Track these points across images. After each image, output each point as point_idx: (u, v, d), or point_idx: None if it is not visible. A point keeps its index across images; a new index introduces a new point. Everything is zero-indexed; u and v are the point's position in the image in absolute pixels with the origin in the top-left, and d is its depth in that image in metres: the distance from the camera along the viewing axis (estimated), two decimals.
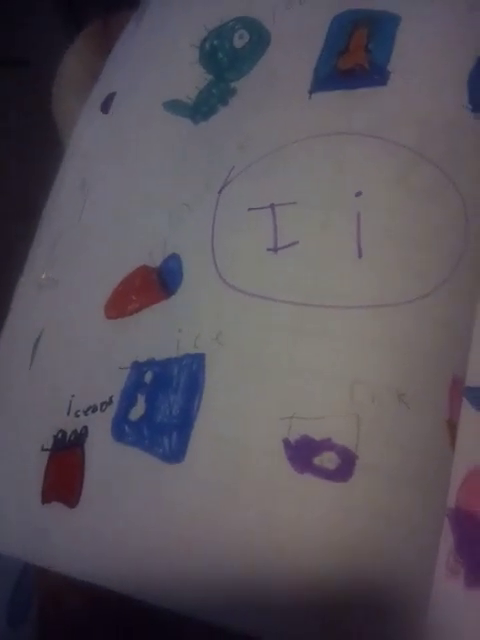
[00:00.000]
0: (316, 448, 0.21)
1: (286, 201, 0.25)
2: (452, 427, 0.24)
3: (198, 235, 0.26)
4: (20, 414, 0.27)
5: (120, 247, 0.28)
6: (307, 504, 0.21)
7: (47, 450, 0.26)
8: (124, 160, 0.30)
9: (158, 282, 0.26)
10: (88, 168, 0.31)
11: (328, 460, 0.21)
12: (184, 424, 0.23)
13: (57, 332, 0.28)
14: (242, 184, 0.26)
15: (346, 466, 0.21)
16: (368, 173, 0.25)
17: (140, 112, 0.31)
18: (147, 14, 0.34)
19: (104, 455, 0.24)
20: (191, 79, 0.30)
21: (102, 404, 0.25)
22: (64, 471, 0.25)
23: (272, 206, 0.25)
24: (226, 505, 0.21)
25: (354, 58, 0.28)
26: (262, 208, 0.25)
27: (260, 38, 0.30)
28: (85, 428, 0.25)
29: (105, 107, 0.31)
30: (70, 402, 0.26)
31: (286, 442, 0.21)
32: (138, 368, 0.25)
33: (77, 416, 0.25)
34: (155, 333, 0.25)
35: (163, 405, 0.23)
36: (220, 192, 0.27)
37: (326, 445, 0.21)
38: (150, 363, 0.24)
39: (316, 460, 0.21)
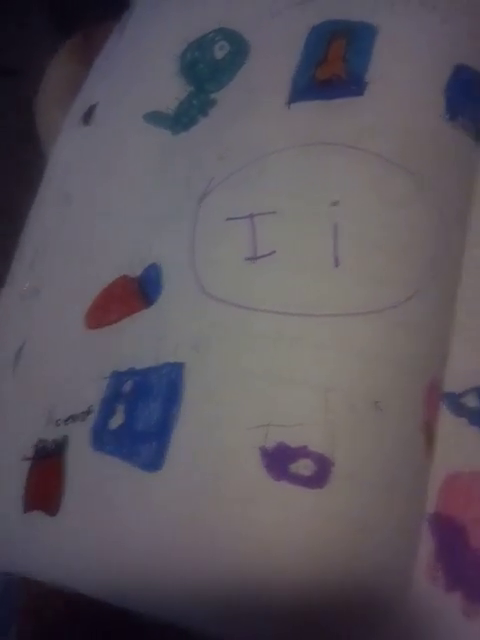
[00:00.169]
0: (292, 455, 0.21)
1: (264, 211, 0.26)
2: (429, 433, 0.24)
3: (178, 245, 0.26)
4: (1, 424, 0.28)
5: (100, 257, 0.28)
6: (283, 511, 0.21)
7: (28, 459, 0.26)
8: (104, 172, 0.31)
9: (138, 292, 0.26)
10: (69, 180, 0.31)
11: (304, 467, 0.21)
12: (162, 433, 0.23)
13: (39, 342, 0.28)
14: (221, 194, 0.27)
15: (322, 473, 0.21)
16: (345, 183, 0.26)
17: (121, 124, 0.31)
18: (129, 26, 0.34)
19: (84, 464, 0.24)
20: (171, 90, 0.30)
21: (82, 413, 0.25)
22: (45, 480, 0.25)
23: (251, 216, 0.26)
24: (204, 512, 0.21)
25: (331, 68, 0.28)
26: (241, 218, 0.26)
27: (240, 49, 0.30)
28: (65, 437, 0.25)
29: (86, 119, 0.32)
30: (51, 412, 0.26)
31: (263, 450, 0.22)
32: (118, 377, 0.25)
33: (58, 425, 0.25)
34: (135, 343, 0.25)
35: (142, 414, 0.23)
36: (200, 203, 0.27)
37: (302, 452, 0.22)
38: (130, 372, 0.25)
39: (292, 467, 0.21)
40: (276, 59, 0.29)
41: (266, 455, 0.22)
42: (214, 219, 0.26)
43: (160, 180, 0.28)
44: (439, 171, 0.27)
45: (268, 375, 0.23)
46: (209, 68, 0.30)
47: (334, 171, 0.26)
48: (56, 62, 0.35)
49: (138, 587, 0.22)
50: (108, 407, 0.24)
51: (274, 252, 0.25)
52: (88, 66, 0.34)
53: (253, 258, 0.25)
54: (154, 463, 0.23)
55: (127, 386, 0.24)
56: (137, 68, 0.32)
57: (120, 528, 0.23)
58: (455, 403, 0.26)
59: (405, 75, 0.28)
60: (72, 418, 0.25)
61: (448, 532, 0.24)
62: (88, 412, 0.25)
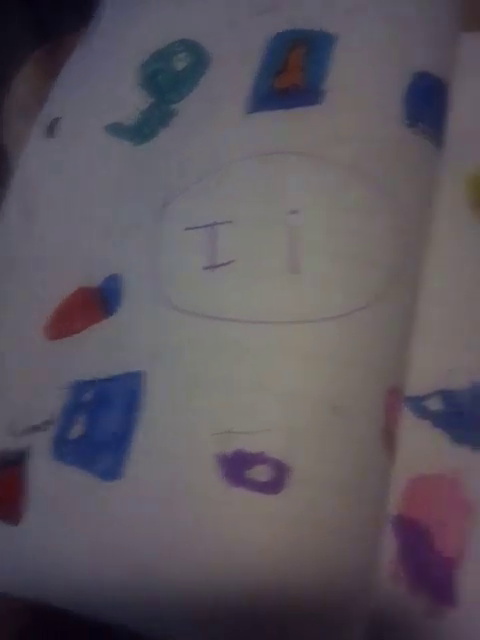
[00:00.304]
0: (250, 462, 0.22)
1: (224, 220, 0.26)
2: (389, 436, 0.24)
3: (138, 255, 0.27)
4: None
5: (61, 268, 0.29)
6: (238, 517, 0.21)
7: None
8: (67, 185, 0.31)
9: (99, 302, 0.27)
10: (32, 194, 0.31)
11: (261, 473, 0.21)
12: (122, 442, 0.23)
13: (0, 353, 0.28)
14: (181, 205, 0.27)
15: (279, 479, 0.21)
16: (304, 191, 0.26)
17: (83, 136, 0.31)
18: (92, 39, 0.34)
19: (45, 474, 0.24)
20: (133, 102, 0.31)
21: (43, 423, 0.25)
22: (7, 490, 0.25)
23: (210, 225, 0.26)
24: (162, 521, 0.22)
25: (290, 78, 0.28)
26: (201, 227, 0.26)
27: (200, 60, 0.31)
28: (27, 447, 0.25)
29: (50, 131, 0.32)
30: (13, 422, 0.26)
31: (220, 457, 0.22)
32: (78, 388, 0.25)
33: (19, 436, 0.25)
34: (95, 353, 0.26)
35: (102, 424, 0.23)
36: (160, 213, 0.27)
37: (259, 459, 0.22)
38: (90, 382, 0.25)
39: (249, 474, 0.21)
40: (236, 69, 0.29)
41: (224, 462, 0.22)
42: (174, 229, 0.27)
43: (121, 191, 0.29)
44: (399, 177, 0.27)
45: (228, 383, 0.23)
46: (170, 79, 0.31)
47: (293, 179, 0.26)
48: (22, 74, 0.36)
49: (101, 595, 0.22)
50: (69, 417, 0.24)
51: (233, 261, 0.25)
52: (54, 78, 0.34)
53: (212, 267, 0.25)
54: (114, 472, 0.23)
55: (88, 396, 0.24)
56: (99, 81, 0.33)
57: (81, 537, 0.23)
58: (418, 406, 0.27)
59: (364, 83, 0.28)
60: (33, 428, 0.25)
61: (412, 534, 0.24)
62: (49, 422, 0.25)
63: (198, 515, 0.21)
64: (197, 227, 0.26)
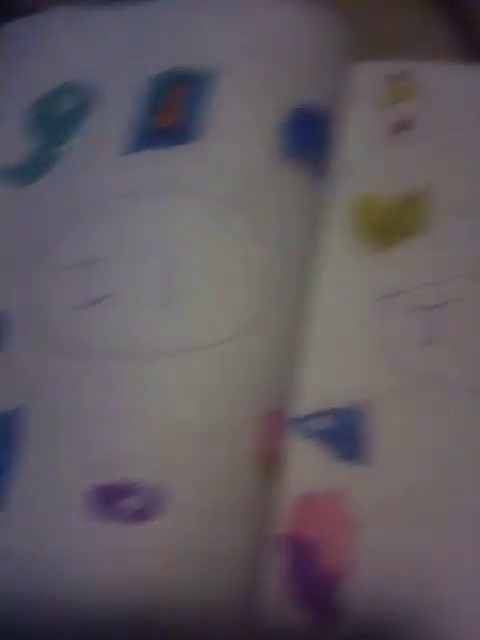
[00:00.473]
0: (123, 493, 0.22)
1: (102, 256, 0.27)
2: (267, 459, 0.25)
3: (21, 295, 0.27)
4: None
5: None
6: (110, 550, 0.21)
7: None
8: None
9: None
10: None
11: (134, 504, 0.22)
12: (1, 476, 0.23)
13: None
14: (62, 244, 0.28)
15: (152, 508, 0.22)
16: (181, 225, 0.27)
17: None
18: None
19: None
20: (20, 146, 0.31)
21: None
22: None
23: (88, 262, 0.27)
24: (37, 554, 0.22)
25: (169, 116, 0.30)
26: (81, 265, 0.27)
27: (86, 101, 0.31)
28: None
29: None
30: None
31: (91, 489, 0.22)
32: None
33: None
34: None
35: None
36: (43, 253, 0.28)
37: (132, 489, 0.22)
38: None
39: (122, 505, 0.22)
40: (118, 109, 0.30)
41: (94, 495, 0.22)
42: (56, 268, 0.27)
43: (6, 234, 0.29)
44: (272, 208, 0.28)
45: (106, 415, 0.24)
46: (56, 122, 0.31)
47: (170, 215, 0.27)
48: None
49: None
50: None
51: (108, 296, 0.26)
52: None
53: (88, 304, 0.26)
54: None
55: None
56: None
57: None
58: (303, 427, 0.27)
59: (239, 118, 0.29)
60: None
61: (300, 551, 0.25)
62: None
63: (68, 549, 0.21)
64: (74, 266, 0.27)
